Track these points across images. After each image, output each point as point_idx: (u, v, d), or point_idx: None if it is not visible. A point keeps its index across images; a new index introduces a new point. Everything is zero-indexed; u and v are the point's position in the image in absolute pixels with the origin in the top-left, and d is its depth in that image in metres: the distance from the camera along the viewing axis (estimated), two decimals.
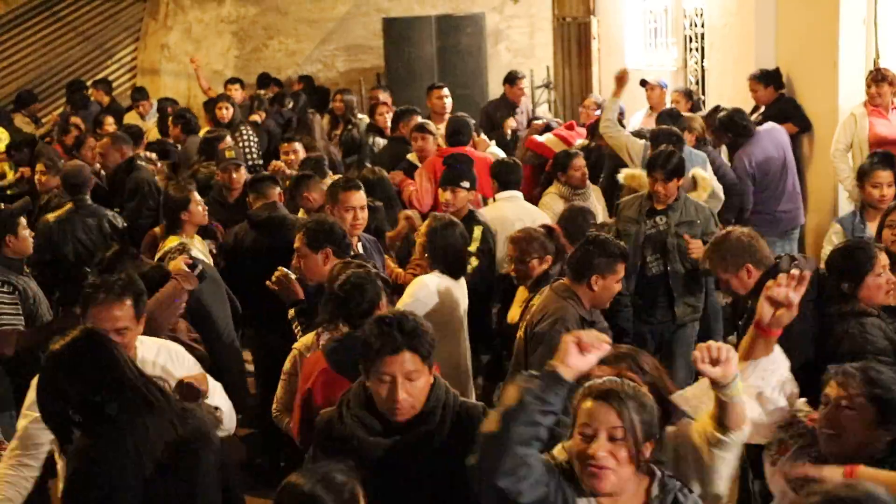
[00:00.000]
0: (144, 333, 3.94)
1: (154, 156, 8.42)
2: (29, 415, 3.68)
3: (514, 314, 5.10)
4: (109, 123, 10.24)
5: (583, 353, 2.67)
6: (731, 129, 7.41)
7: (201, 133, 9.24)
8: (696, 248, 5.68)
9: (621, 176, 6.88)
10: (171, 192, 6.05)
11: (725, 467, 2.91)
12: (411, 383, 2.99)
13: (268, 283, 4.84)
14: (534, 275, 5.05)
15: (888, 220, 4.94)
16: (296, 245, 4.89)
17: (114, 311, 3.71)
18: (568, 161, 6.92)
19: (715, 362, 2.73)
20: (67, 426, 3.13)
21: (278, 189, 6.28)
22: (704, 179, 6.68)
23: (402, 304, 4.84)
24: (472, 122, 8.01)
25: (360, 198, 5.52)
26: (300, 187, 6.34)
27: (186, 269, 4.65)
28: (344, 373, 3.69)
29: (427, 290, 4.99)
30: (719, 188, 6.90)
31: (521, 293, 5.14)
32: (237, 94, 11.42)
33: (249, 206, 6.26)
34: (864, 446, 3.05)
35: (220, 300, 5.55)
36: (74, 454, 3.13)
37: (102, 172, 8.22)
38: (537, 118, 9.13)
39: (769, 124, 7.61)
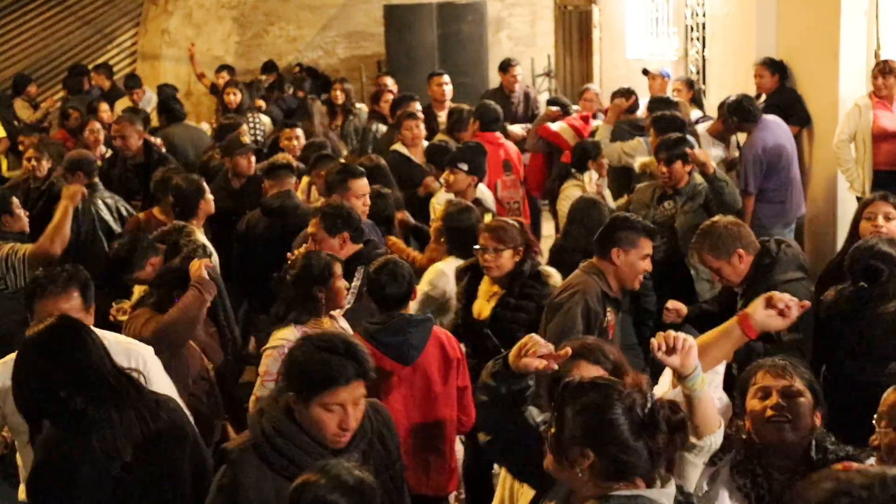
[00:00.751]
0: (163, 345, 3.94)
1: (160, 141, 8.41)
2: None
3: (481, 308, 4.83)
4: (104, 110, 10.20)
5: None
6: (737, 113, 7.41)
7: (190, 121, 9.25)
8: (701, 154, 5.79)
9: (636, 164, 6.94)
10: (182, 183, 6.06)
11: (694, 472, 2.87)
12: (357, 408, 2.84)
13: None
14: (506, 267, 4.75)
15: (866, 212, 4.92)
16: (311, 230, 4.93)
17: (60, 304, 3.68)
18: (597, 151, 6.95)
19: (671, 351, 2.69)
20: (37, 415, 3.12)
21: (294, 177, 6.34)
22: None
23: (421, 291, 4.90)
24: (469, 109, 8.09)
25: (365, 185, 5.60)
26: (317, 167, 6.50)
27: (207, 276, 4.60)
28: (393, 356, 4.02)
29: (445, 278, 5.10)
30: None
31: (487, 286, 4.85)
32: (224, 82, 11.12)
33: (264, 193, 6.30)
34: (811, 431, 3.01)
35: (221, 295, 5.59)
36: (42, 444, 3.13)
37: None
38: (555, 101, 8.98)
39: (773, 117, 7.62)
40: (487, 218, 5.82)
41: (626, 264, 4.46)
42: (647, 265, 4.51)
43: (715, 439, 2.82)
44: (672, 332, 2.73)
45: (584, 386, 2.42)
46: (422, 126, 7.79)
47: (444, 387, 4.20)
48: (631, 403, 2.34)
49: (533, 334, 2.79)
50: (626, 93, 8.20)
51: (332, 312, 4.36)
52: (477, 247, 4.76)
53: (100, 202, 6.57)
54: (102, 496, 3.06)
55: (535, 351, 2.70)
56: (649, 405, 2.34)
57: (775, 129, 7.41)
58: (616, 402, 2.35)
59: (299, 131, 8.09)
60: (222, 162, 7.43)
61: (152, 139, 8.33)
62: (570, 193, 6.79)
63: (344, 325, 4.44)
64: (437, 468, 4.23)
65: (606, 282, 4.46)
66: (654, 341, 2.72)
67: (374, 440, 2.96)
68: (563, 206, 6.52)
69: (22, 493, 3.73)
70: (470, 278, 4.86)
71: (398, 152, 7.58)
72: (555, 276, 5.20)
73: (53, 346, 3.12)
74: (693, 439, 2.78)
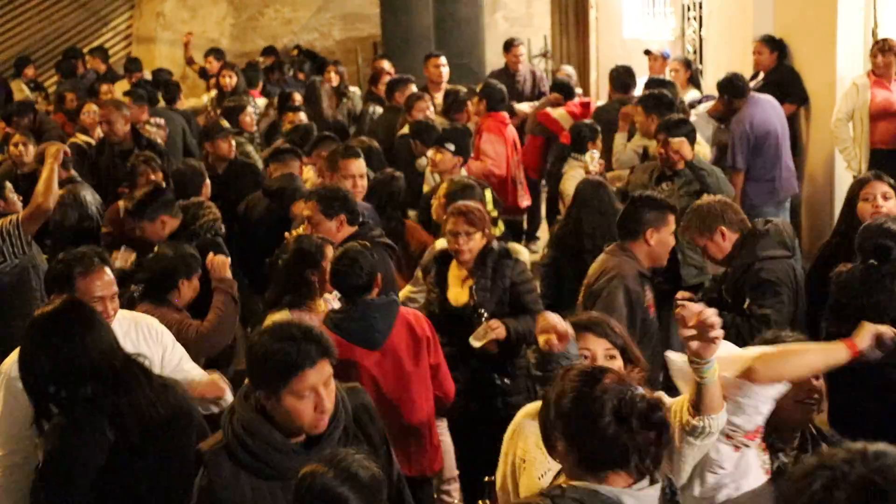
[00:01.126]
0: (203, 354, 4.00)
1: (162, 121, 8.39)
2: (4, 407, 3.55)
3: (456, 295, 4.72)
4: (105, 92, 10.20)
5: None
6: (727, 89, 7.43)
7: (195, 101, 9.22)
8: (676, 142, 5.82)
9: (650, 148, 6.95)
10: (184, 167, 6.14)
11: (692, 455, 2.84)
12: (328, 389, 2.76)
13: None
14: (477, 251, 4.66)
15: (863, 193, 4.90)
16: (307, 213, 4.92)
17: (96, 281, 3.70)
18: (594, 133, 6.97)
19: (702, 327, 2.61)
20: (46, 402, 3.10)
21: (299, 162, 6.34)
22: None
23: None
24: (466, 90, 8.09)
25: (359, 166, 5.60)
26: (318, 148, 6.52)
27: (230, 275, 4.63)
28: (359, 342, 3.96)
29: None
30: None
31: (457, 272, 4.74)
32: (215, 67, 11.09)
33: (269, 176, 6.32)
34: None
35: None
36: (52, 432, 3.11)
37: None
38: (560, 86, 8.92)
39: (765, 95, 7.62)
40: (489, 194, 5.84)
41: (659, 243, 4.57)
42: (673, 241, 4.64)
43: (718, 421, 2.78)
44: (706, 312, 2.62)
45: (568, 372, 2.41)
46: (432, 108, 7.78)
47: (415, 367, 4.16)
48: (612, 395, 2.28)
49: (546, 312, 2.83)
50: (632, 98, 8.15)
51: (326, 295, 4.36)
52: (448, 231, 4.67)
53: (81, 193, 6.58)
54: (112, 482, 3.06)
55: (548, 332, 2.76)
56: (627, 399, 2.27)
57: (765, 106, 7.41)
58: (594, 392, 2.30)
59: (302, 115, 8.09)
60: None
61: (154, 120, 8.31)
62: (574, 174, 6.76)
63: (338, 307, 4.44)
64: (418, 449, 4.21)
65: (639, 262, 4.55)
66: (680, 311, 2.66)
67: (350, 427, 2.88)
68: (569, 185, 6.49)
69: None
70: (439, 266, 4.78)
71: (407, 137, 7.55)
72: (523, 253, 5.26)
73: (63, 328, 3.10)
74: (693, 420, 2.76)
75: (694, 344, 2.63)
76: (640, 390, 2.31)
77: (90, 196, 6.51)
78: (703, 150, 6.89)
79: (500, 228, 5.80)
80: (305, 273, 4.24)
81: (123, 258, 5.30)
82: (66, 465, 3.07)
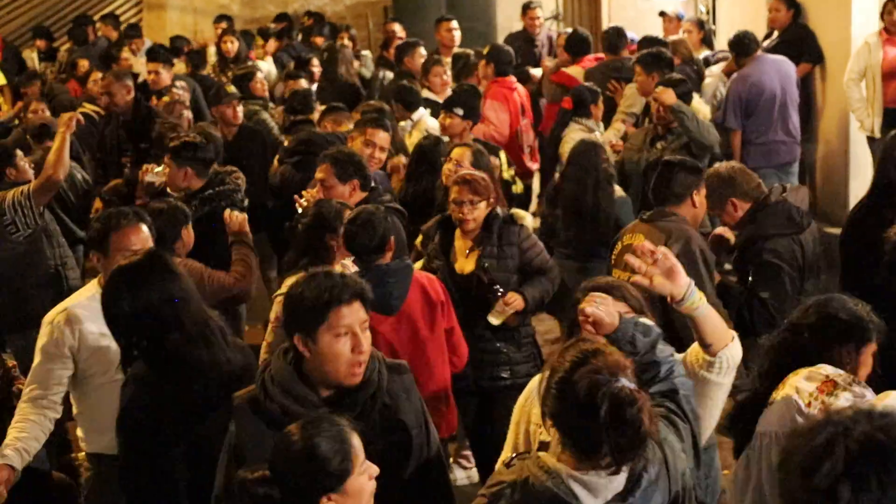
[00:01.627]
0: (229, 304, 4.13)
1: (185, 85, 8.34)
2: (43, 354, 3.71)
3: (463, 265, 4.66)
4: (125, 58, 10.15)
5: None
6: (734, 47, 7.41)
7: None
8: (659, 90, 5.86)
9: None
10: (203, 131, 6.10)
11: (719, 396, 2.88)
12: (365, 334, 2.75)
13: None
14: (482, 220, 4.60)
15: None
16: (320, 175, 4.91)
17: (132, 236, 3.78)
18: (595, 95, 6.90)
19: (661, 269, 2.66)
20: (130, 346, 3.14)
21: (350, 119, 6.42)
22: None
23: None
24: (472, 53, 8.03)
25: (384, 139, 5.62)
26: (327, 116, 6.53)
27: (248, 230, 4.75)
28: (376, 308, 3.84)
29: None
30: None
31: (462, 242, 4.67)
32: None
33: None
34: None
35: None
36: (133, 379, 3.15)
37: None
38: (570, 38, 8.76)
39: (780, 57, 7.54)
40: (504, 156, 5.86)
41: (701, 204, 4.59)
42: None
43: (731, 353, 2.81)
44: (645, 244, 2.69)
45: (569, 349, 2.39)
46: (449, 72, 7.73)
47: (431, 332, 4.16)
48: (587, 382, 2.27)
49: (583, 303, 2.75)
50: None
51: (345, 261, 4.37)
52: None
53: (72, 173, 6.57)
54: (187, 432, 3.06)
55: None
56: (602, 389, 2.25)
57: (767, 67, 7.33)
58: (573, 376, 2.30)
59: (303, 82, 8.08)
60: (246, 112, 7.35)
61: (179, 83, 8.29)
62: (574, 136, 6.70)
63: (355, 272, 4.45)
64: (435, 413, 4.11)
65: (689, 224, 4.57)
66: (629, 259, 2.68)
67: (382, 397, 2.83)
68: (568, 148, 6.47)
69: (80, 431, 3.87)
70: (442, 235, 4.71)
71: (427, 99, 7.46)
72: (527, 218, 5.23)
73: (145, 277, 3.14)
74: (707, 356, 2.80)
75: (661, 286, 2.67)
76: (623, 381, 2.28)
77: (80, 175, 6.60)
78: (704, 109, 6.88)
79: (520, 187, 5.90)
80: (325, 238, 4.25)
81: None
82: (145, 415, 3.07)
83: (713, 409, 2.89)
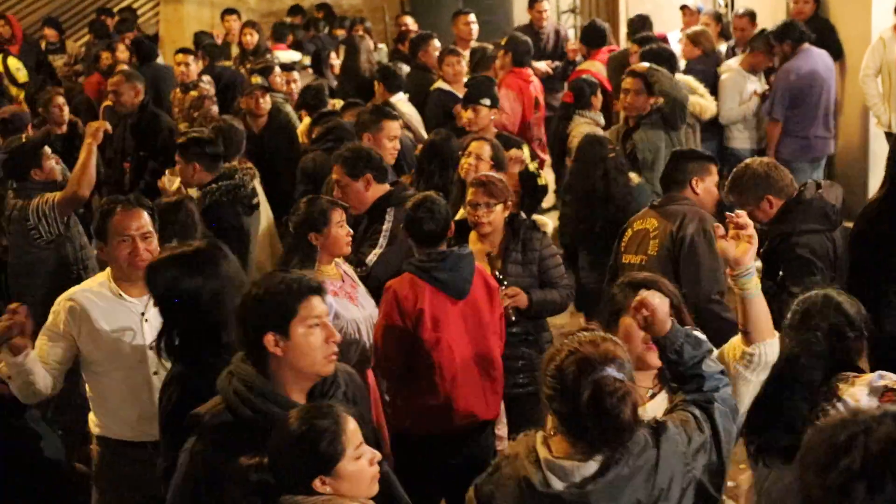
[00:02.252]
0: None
1: (209, 80, 8.30)
2: (43, 332, 3.75)
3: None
4: (105, 57, 10.08)
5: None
6: (789, 35, 7.25)
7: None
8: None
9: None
10: (224, 125, 6.16)
11: (748, 394, 2.88)
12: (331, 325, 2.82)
13: None
14: (498, 223, 4.57)
15: None
16: (334, 176, 4.94)
17: (131, 221, 3.77)
18: (595, 87, 6.89)
19: (739, 228, 2.77)
20: (172, 328, 3.14)
21: None
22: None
23: None
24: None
25: (398, 127, 5.73)
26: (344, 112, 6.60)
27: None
28: (451, 291, 4.10)
29: None
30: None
31: (479, 246, 4.59)
32: (235, 25, 10.95)
33: (308, 137, 6.39)
34: None
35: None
36: (175, 379, 3.11)
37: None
38: (587, 29, 8.74)
39: (824, 51, 7.45)
40: (526, 150, 5.85)
41: (705, 192, 4.67)
42: (717, 192, 4.72)
43: (768, 349, 2.83)
44: (738, 213, 2.81)
45: (575, 335, 2.48)
46: (463, 62, 7.73)
47: (491, 316, 4.26)
48: (574, 370, 2.37)
49: (644, 293, 2.76)
50: None
51: (336, 260, 4.38)
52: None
53: None
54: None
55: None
56: (587, 378, 2.34)
57: (816, 59, 7.27)
58: (563, 363, 2.40)
59: (296, 74, 8.16)
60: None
61: (206, 77, 8.31)
62: (581, 130, 6.62)
63: (347, 270, 4.47)
64: (494, 396, 4.30)
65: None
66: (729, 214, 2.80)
67: (350, 396, 2.90)
68: (577, 143, 6.48)
69: (92, 422, 3.86)
70: (457, 237, 4.61)
71: (441, 89, 7.47)
72: (548, 225, 5.25)
73: (201, 264, 3.17)
74: (744, 347, 2.82)
75: (731, 250, 2.75)
76: (610, 371, 2.34)
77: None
78: (710, 105, 6.85)
79: (544, 179, 5.92)
80: (308, 236, 4.26)
81: None
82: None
83: (738, 405, 2.87)
